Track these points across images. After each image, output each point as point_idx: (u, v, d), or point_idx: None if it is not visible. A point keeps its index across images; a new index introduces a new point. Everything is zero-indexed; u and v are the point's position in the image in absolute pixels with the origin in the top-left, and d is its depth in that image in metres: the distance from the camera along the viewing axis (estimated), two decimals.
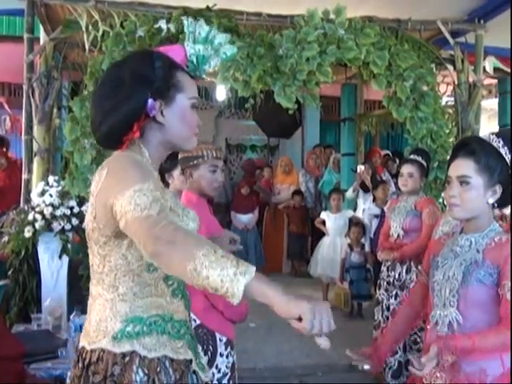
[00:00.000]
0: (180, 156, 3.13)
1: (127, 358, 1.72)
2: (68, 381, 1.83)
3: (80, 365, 1.77)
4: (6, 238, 4.69)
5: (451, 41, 5.49)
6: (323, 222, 7.40)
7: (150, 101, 1.76)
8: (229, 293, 1.41)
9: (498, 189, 2.16)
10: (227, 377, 3.07)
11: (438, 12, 5.44)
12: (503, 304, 2.04)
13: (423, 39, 5.57)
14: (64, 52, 5.22)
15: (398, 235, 4.43)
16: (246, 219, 8.86)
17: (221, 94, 8.00)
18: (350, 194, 7.63)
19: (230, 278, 1.40)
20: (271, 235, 8.81)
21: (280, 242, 8.90)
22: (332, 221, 7.25)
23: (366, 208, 7.31)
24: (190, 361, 1.85)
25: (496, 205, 2.20)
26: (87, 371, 1.74)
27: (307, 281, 7.82)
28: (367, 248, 6.64)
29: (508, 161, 2.15)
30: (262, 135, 11.27)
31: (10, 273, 4.63)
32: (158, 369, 1.74)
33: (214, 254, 1.42)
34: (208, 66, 1.95)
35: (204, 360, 1.99)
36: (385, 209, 5.70)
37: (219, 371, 3.04)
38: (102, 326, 1.77)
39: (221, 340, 3.05)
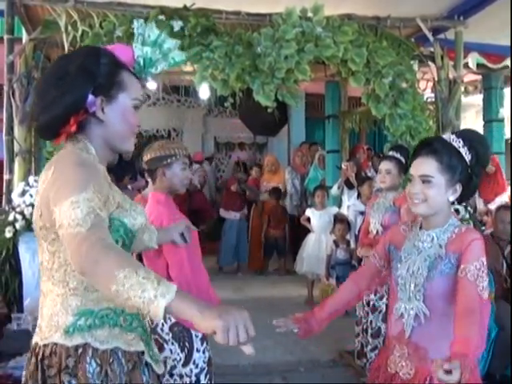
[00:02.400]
0: (151, 156, 3.15)
1: (80, 350, 1.74)
2: (23, 379, 1.84)
3: (33, 360, 1.79)
4: None
5: (430, 38, 5.53)
6: (308, 219, 7.42)
7: (91, 96, 1.78)
8: (151, 313, 1.43)
9: (459, 187, 2.24)
10: (204, 372, 3.12)
11: (417, 9, 5.48)
12: (461, 285, 2.08)
13: (404, 36, 5.60)
14: (45, 52, 5.22)
15: (377, 231, 4.46)
16: (235, 217, 8.90)
17: (204, 92, 8.02)
18: (334, 190, 7.65)
19: (150, 300, 1.41)
20: (257, 233, 8.83)
21: None
22: (317, 218, 7.27)
23: (350, 205, 7.34)
24: (142, 352, 1.88)
25: (455, 202, 2.29)
26: (42, 365, 1.76)
27: (293, 278, 7.85)
28: (352, 244, 6.66)
29: (467, 160, 2.22)
30: (251, 133, 11.29)
31: None
32: (111, 359, 1.77)
33: (135, 276, 1.43)
34: (155, 69, 1.97)
35: (157, 352, 2.03)
36: None
37: (197, 366, 3.08)
38: (53, 320, 1.78)
39: (196, 336, 3.09)
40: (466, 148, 2.22)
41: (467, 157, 2.22)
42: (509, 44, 5.64)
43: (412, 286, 2.23)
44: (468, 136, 2.28)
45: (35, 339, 1.83)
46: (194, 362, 3.08)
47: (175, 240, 2.89)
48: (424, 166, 2.22)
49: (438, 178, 2.20)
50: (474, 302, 2.04)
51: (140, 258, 3.19)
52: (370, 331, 4.51)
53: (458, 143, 2.23)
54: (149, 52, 1.93)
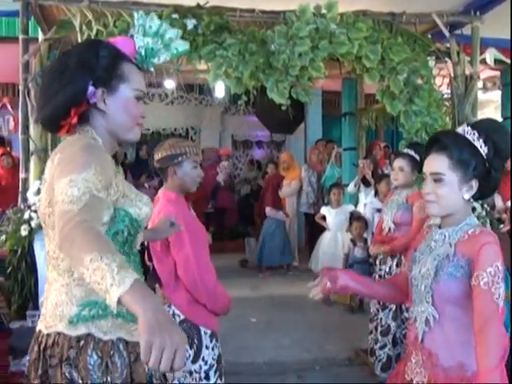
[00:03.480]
0: (162, 155, 3.15)
1: (82, 342, 1.76)
2: (27, 364, 1.87)
3: (36, 348, 1.82)
4: (3, 237, 4.75)
5: (446, 33, 5.47)
6: (323, 217, 7.40)
7: (91, 88, 1.82)
8: (107, 302, 1.38)
9: (474, 184, 2.08)
10: (214, 368, 3.13)
11: (433, 5, 5.42)
12: (475, 294, 1.95)
13: (419, 32, 5.55)
14: (60, 51, 5.25)
15: (390, 229, 4.43)
16: (282, 217, 8.84)
17: (220, 90, 8.03)
18: (351, 188, 7.61)
19: (106, 288, 1.37)
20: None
21: None
22: (332, 216, 7.25)
23: (367, 202, 7.29)
24: None
25: (472, 199, 2.14)
26: (44, 355, 1.79)
27: (310, 276, 7.84)
28: (370, 243, 6.62)
29: (484, 154, 2.06)
30: (268, 131, 11.30)
31: (8, 271, 4.69)
32: (112, 352, 1.79)
33: (98, 261, 1.39)
34: (157, 59, 1.99)
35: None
36: None
37: (206, 363, 3.10)
38: (58, 310, 1.80)
39: (205, 333, 3.11)
40: (481, 140, 2.05)
41: (483, 150, 2.05)
42: None
43: (422, 287, 2.12)
44: (484, 127, 2.10)
45: (39, 326, 1.86)
46: (203, 359, 3.10)
47: (168, 234, 2.89)
48: (434, 163, 2.10)
49: (449, 176, 2.06)
50: (489, 311, 1.91)
51: (149, 256, 3.20)
52: (379, 329, 4.50)
53: (472, 135, 2.07)
54: (150, 42, 1.95)
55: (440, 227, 2.21)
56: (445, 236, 2.13)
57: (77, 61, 1.84)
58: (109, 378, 1.77)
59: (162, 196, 3.20)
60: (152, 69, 2.00)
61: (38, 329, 1.86)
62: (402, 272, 2.46)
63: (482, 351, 1.88)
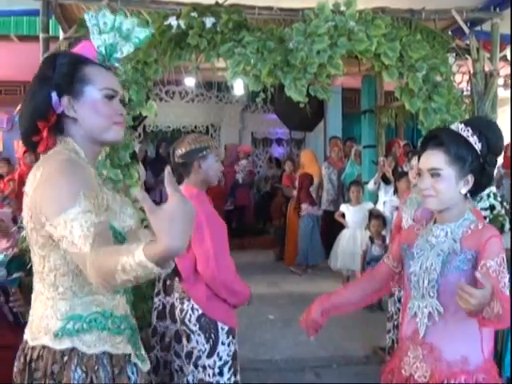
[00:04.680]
0: (186, 150, 3.17)
1: (66, 357, 1.77)
2: (15, 370, 1.89)
3: (22, 359, 1.84)
4: (24, 233, 4.80)
5: (466, 30, 5.42)
6: (343, 215, 7.40)
7: (55, 98, 1.82)
8: (146, 270, 1.43)
9: (470, 178, 2.17)
10: (228, 365, 3.16)
11: (452, 1, 5.38)
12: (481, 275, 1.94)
13: (439, 29, 5.51)
14: None
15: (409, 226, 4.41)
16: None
17: (239, 88, 8.05)
18: (371, 186, 7.60)
19: (137, 264, 1.42)
20: (294, 228, 8.81)
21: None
22: (351, 213, 7.26)
23: (387, 200, 7.27)
24: (129, 355, 1.88)
25: (468, 194, 2.22)
26: (29, 367, 1.80)
27: (328, 273, 7.83)
28: (388, 240, 6.61)
29: (478, 150, 2.15)
30: (287, 129, 11.31)
31: (28, 266, 4.73)
32: (96, 366, 1.78)
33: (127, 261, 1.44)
34: (120, 53, 1.95)
35: (143, 351, 2.01)
36: None
37: (220, 359, 3.13)
38: (43, 323, 1.81)
39: (222, 329, 3.14)
40: (475, 137, 2.16)
41: (477, 146, 2.16)
42: None
43: (425, 282, 2.18)
44: (477, 124, 2.21)
45: (25, 336, 1.87)
46: (218, 355, 3.13)
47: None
48: (432, 158, 2.17)
49: (446, 171, 2.14)
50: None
51: None
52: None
53: (466, 132, 2.16)
54: (107, 39, 1.91)
55: (435, 222, 2.29)
56: (447, 232, 2.21)
57: (36, 76, 1.87)
58: None
59: (184, 192, 3.21)
60: (117, 64, 1.97)
61: (24, 338, 1.88)
62: (383, 264, 2.53)
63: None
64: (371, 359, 5.22)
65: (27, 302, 4.67)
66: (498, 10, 5.46)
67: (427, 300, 2.17)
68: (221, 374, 3.14)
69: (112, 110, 1.90)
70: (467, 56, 5.61)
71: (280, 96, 5.21)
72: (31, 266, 4.76)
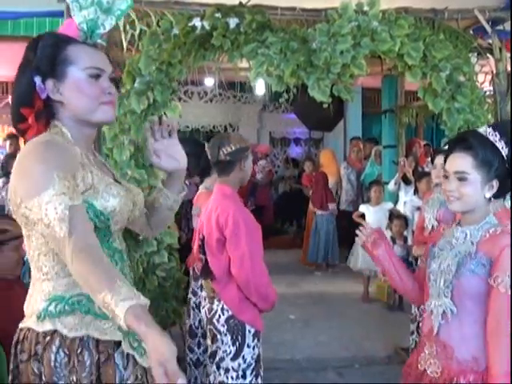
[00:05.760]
0: (235, 148, 3.19)
1: (48, 338, 1.73)
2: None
3: (13, 342, 1.82)
4: None
5: (489, 29, 5.40)
6: (362, 216, 7.38)
7: (38, 82, 1.78)
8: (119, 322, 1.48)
9: (495, 183, 2.17)
10: (251, 368, 3.15)
11: (475, 0, 5.36)
12: (492, 296, 2.05)
13: (461, 28, 5.50)
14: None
15: (433, 226, 4.40)
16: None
17: (260, 88, 8.06)
18: (391, 186, 7.58)
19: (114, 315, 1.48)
20: (312, 228, 8.82)
21: None
22: (372, 214, 7.24)
23: (407, 200, 7.25)
24: (119, 342, 1.81)
25: (492, 198, 2.22)
26: (16, 349, 1.79)
27: (348, 274, 7.81)
28: (410, 241, 6.59)
29: (504, 155, 2.15)
30: (306, 128, 11.30)
31: None
32: (79, 350, 1.73)
33: (108, 299, 1.48)
34: (102, 28, 1.88)
35: (142, 345, 1.90)
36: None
37: (245, 362, 3.12)
38: (30, 305, 1.81)
39: (250, 331, 3.14)
40: (502, 142, 2.15)
41: (504, 151, 2.14)
42: None
43: (441, 282, 2.20)
44: (505, 129, 2.19)
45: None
46: (243, 357, 3.12)
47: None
48: (459, 162, 2.17)
49: (473, 175, 2.14)
50: (503, 314, 2.01)
51: (203, 249, 3.22)
52: None
53: (494, 137, 2.15)
54: (87, 15, 1.83)
55: (459, 224, 2.30)
56: (466, 234, 2.22)
57: (20, 63, 1.84)
58: (74, 378, 1.73)
59: (217, 191, 3.23)
60: (100, 40, 1.89)
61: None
62: (421, 269, 2.53)
63: (493, 356, 2.01)
64: (393, 359, 5.21)
65: None
66: None
67: (442, 299, 2.19)
68: (244, 376, 3.13)
69: (98, 90, 1.84)
70: (489, 55, 5.60)
71: (300, 96, 5.22)
72: None
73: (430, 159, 8.03)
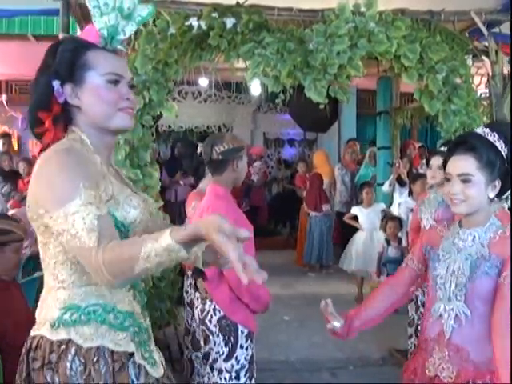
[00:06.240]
0: (227, 147, 3.16)
1: (63, 347, 1.70)
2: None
3: (23, 350, 1.79)
4: None
5: (485, 31, 5.41)
6: (355, 217, 7.39)
7: (56, 86, 1.76)
8: (176, 257, 1.47)
9: (498, 183, 2.17)
10: (245, 369, 3.13)
11: (471, 2, 5.36)
12: (503, 294, 2.05)
13: (457, 31, 5.50)
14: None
15: (431, 227, 4.38)
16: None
17: (255, 88, 8.05)
18: (386, 187, 7.58)
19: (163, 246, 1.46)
20: (305, 229, 8.82)
21: None
22: (365, 215, 7.24)
23: (402, 202, 7.26)
24: (133, 353, 1.79)
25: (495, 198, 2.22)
26: (27, 357, 1.76)
27: (341, 275, 7.81)
28: (404, 243, 6.59)
29: (504, 154, 2.15)
30: (300, 129, 11.31)
31: None
32: (96, 358, 1.71)
33: (148, 249, 1.48)
34: (122, 34, 1.84)
35: (157, 355, 1.93)
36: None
37: (238, 363, 3.10)
38: (43, 312, 1.78)
39: (242, 332, 3.11)
40: (501, 141, 2.15)
41: (503, 151, 2.14)
42: None
43: (453, 285, 2.18)
44: (502, 128, 2.20)
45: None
46: (236, 358, 3.10)
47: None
48: (462, 164, 2.15)
49: (477, 176, 2.13)
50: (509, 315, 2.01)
51: None
52: None
53: (492, 137, 2.15)
54: (108, 20, 1.79)
55: (460, 225, 2.28)
56: (474, 236, 2.21)
57: (39, 66, 1.82)
58: None
59: (210, 191, 3.20)
60: (119, 46, 1.85)
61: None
62: (405, 269, 2.50)
63: (501, 359, 1.99)
64: (387, 361, 5.21)
65: None
66: None
67: (454, 303, 2.17)
68: (237, 378, 3.11)
69: (116, 96, 1.81)
70: (485, 58, 5.61)
71: (295, 97, 5.22)
72: None
73: (424, 161, 8.07)
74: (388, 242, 6.51)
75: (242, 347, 3.12)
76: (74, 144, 1.76)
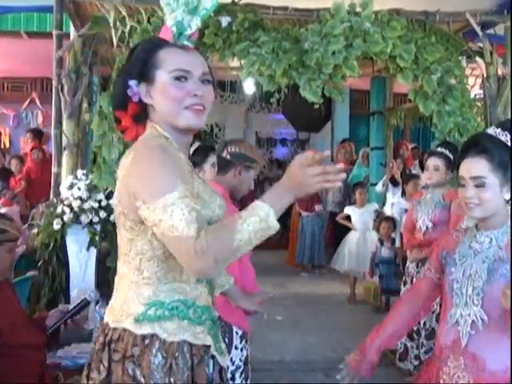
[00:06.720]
0: (239, 151, 3.14)
1: (147, 341, 1.75)
2: (91, 353, 1.87)
3: (101, 339, 1.81)
4: (35, 231, 4.80)
5: (480, 33, 5.41)
6: (347, 217, 7.38)
7: (131, 85, 1.79)
8: (271, 224, 1.60)
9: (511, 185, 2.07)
10: (240, 370, 3.09)
11: (466, 3, 5.37)
12: None
13: (452, 31, 5.50)
14: (93, 48, 5.29)
15: (427, 227, 4.37)
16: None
17: (249, 87, 8.03)
18: (379, 188, 7.59)
19: (263, 219, 1.59)
20: (298, 228, 8.81)
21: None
22: (358, 215, 7.23)
23: (395, 202, 7.27)
24: (209, 346, 1.86)
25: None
26: (108, 348, 1.78)
27: (334, 275, 7.80)
28: (397, 243, 6.59)
29: None
30: (292, 129, 11.28)
31: (39, 264, 4.72)
32: (177, 353, 1.76)
33: (243, 227, 1.57)
34: (189, 29, 1.83)
35: (223, 345, 2.00)
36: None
37: (233, 364, 3.06)
38: (125, 306, 1.80)
39: (237, 333, 3.08)
40: None
41: None
42: None
43: (470, 289, 2.08)
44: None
45: (106, 318, 1.85)
46: (231, 359, 3.06)
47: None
48: (475, 166, 2.07)
49: (491, 179, 2.05)
50: None
51: None
52: (423, 333, 4.35)
53: (505, 137, 2.07)
54: (177, 16, 1.81)
55: (477, 228, 2.19)
56: (491, 238, 2.12)
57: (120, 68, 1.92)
58: (172, 380, 1.75)
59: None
60: (186, 42, 1.82)
61: (105, 320, 1.86)
62: (426, 279, 2.42)
63: None
64: (380, 361, 5.18)
65: (38, 300, 4.67)
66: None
67: (471, 308, 2.09)
68: (233, 378, 3.07)
69: (182, 93, 1.78)
70: (479, 59, 5.61)
71: (288, 96, 5.21)
72: (42, 264, 4.75)
73: (417, 161, 8.09)
74: (381, 242, 6.51)
75: (236, 348, 3.09)
76: (164, 142, 1.79)
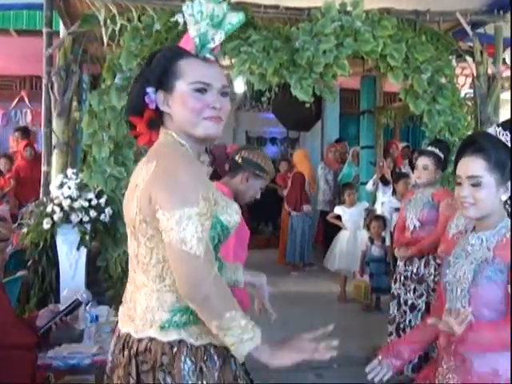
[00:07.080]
0: (251, 157, 3.16)
1: (175, 348, 1.76)
2: (109, 365, 1.89)
3: (126, 353, 1.81)
4: (25, 230, 4.76)
5: (470, 32, 5.43)
6: (338, 217, 7.39)
7: (149, 92, 1.80)
8: (236, 353, 1.67)
9: (510, 185, 2.06)
10: None
11: (457, 3, 5.38)
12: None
13: (442, 31, 5.52)
14: (83, 46, 5.26)
15: (415, 226, 4.39)
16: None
17: (239, 86, 8.00)
18: (369, 186, 7.59)
19: (238, 343, 1.65)
20: (287, 227, 8.81)
21: None
22: (348, 215, 7.24)
23: (385, 201, 7.28)
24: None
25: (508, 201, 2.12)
26: (136, 360, 1.78)
27: (324, 274, 7.80)
28: (388, 242, 6.61)
29: None
30: (282, 128, 11.26)
31: (29, 264, 4.69)
32: (205, 357, 1.80)
33: (235, 321, 1.65)
34: (212, 43, 1.83)
35: None
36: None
37: None
38: (148, 315, 1.80)
39: None
40: None
41: None
42: None
43: (458, 291, 2.08)
44: None
45: (126, 329, 1.85)
46: None
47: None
48: (471, 166, 2.05)
49: (487, 178, 2.02)
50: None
51: None
52: (408, 331, 4.39)
53: (505, 136, 2.05)
54: (201, 28, 1.81)
55: (474, 230, 2.18)
56: (482, 240, 2.10)
57: (137, 74, 1.92)
58: (204, 382, 1.79)
59: (217, 186, 3.17)
60: (208, 55, 1.83)
61: (124, 331, 1.85)
62: (439, 299, 2.38)
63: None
64: (371, 360, 5.18)
65: (28, 300, 4.63)
66: (501, 12, 5.47)
67: (459, 310, 2.04)
68: None
69: (201, 105, 1.79)
70: (469, 58, 5.63)
71: (278, 95, 5.20)
72: (31, 264, 4.71)
73: (407, 160, 8.10)
74: (372, 240, 6.53)
75: None
76: (184, 150, 1.82)
